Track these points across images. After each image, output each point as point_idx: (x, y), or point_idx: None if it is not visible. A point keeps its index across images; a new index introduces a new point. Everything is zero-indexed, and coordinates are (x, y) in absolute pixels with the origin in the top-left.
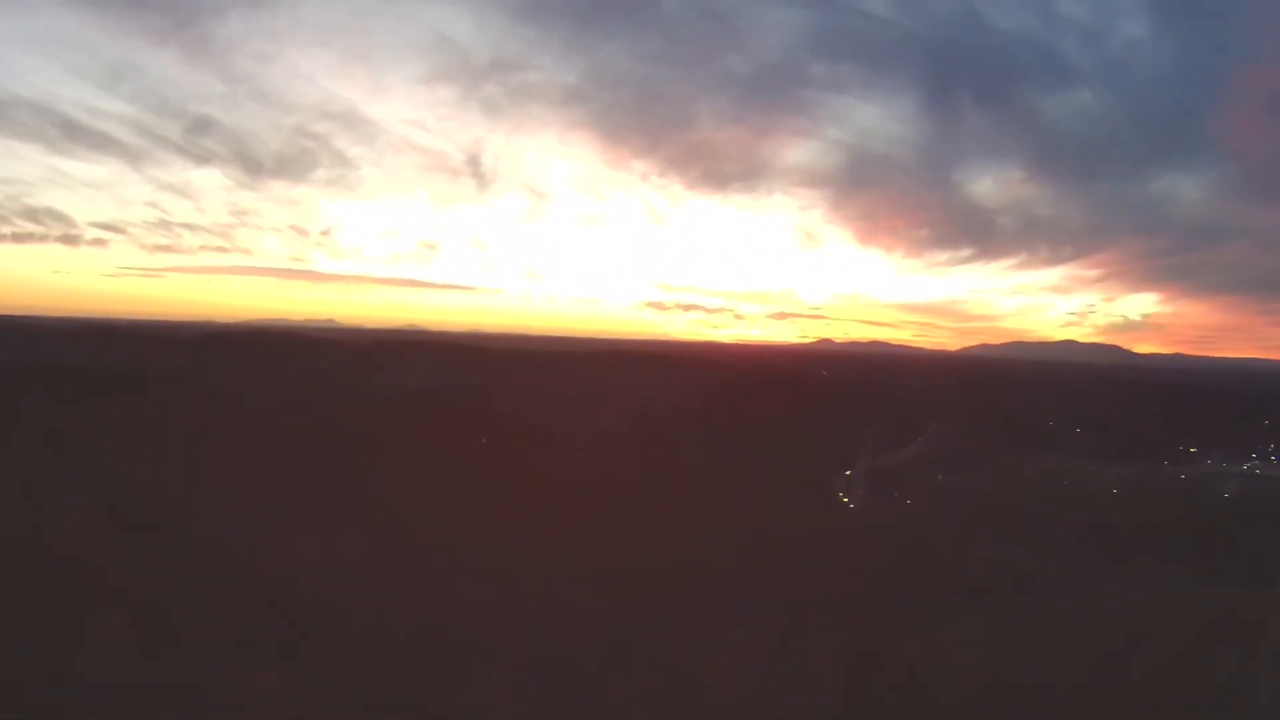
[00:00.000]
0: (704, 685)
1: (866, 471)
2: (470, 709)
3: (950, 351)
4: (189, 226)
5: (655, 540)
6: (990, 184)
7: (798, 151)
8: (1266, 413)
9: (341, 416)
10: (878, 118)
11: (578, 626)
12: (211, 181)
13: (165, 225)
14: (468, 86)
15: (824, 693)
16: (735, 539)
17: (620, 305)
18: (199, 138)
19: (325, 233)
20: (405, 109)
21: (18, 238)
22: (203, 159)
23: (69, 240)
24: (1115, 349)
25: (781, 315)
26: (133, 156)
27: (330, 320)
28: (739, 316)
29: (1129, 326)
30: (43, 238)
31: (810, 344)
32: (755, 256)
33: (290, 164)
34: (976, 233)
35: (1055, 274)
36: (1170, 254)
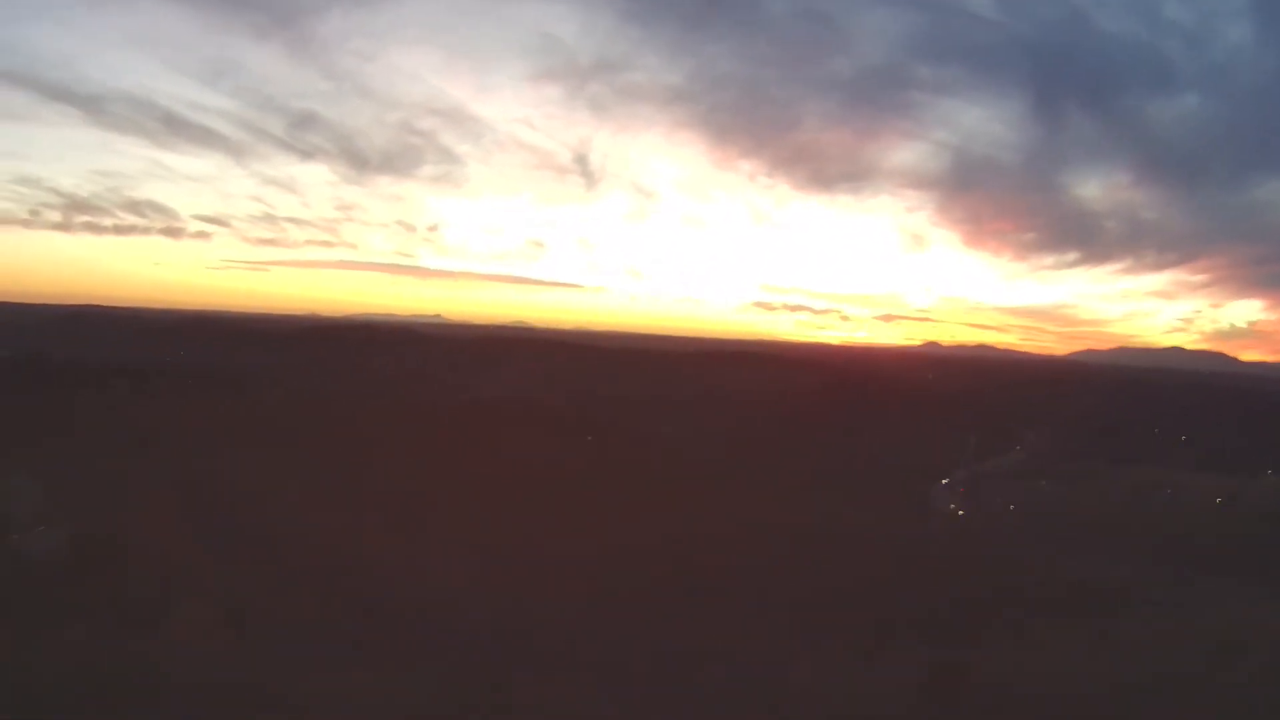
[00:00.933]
0: (783, 695)
1: (964, 479)
2: (553, 713)
3: (1057, 356)
4: (294, 221)
5: (742, 547)
6: (1096, 188)
7: (903, 153)
8: None
9: (441, 415)
10: (983, 120)
11: (665, 633)
12: (317, 176)
13: (270, 219)
14: (574, 86)
15: (904, 705)
16: (826, 545)
17: (726, 305)
18: (303, 133)
19: (432, 229)
20: (511, 107)
21: (119, 230)
22: (307, 154)
23: (172, 233)
24: (1220, 356)
25: (888, 318)
26: (236, 151)
27: (437, 316)
28: (845, 318)
29: (1234, 334)
30: (144, 230)
31: (916, 347)
32: (861, 258)
33: (396, 160)
34: (1082, 237)
35: (1161, 279)
36: (1275, 261)
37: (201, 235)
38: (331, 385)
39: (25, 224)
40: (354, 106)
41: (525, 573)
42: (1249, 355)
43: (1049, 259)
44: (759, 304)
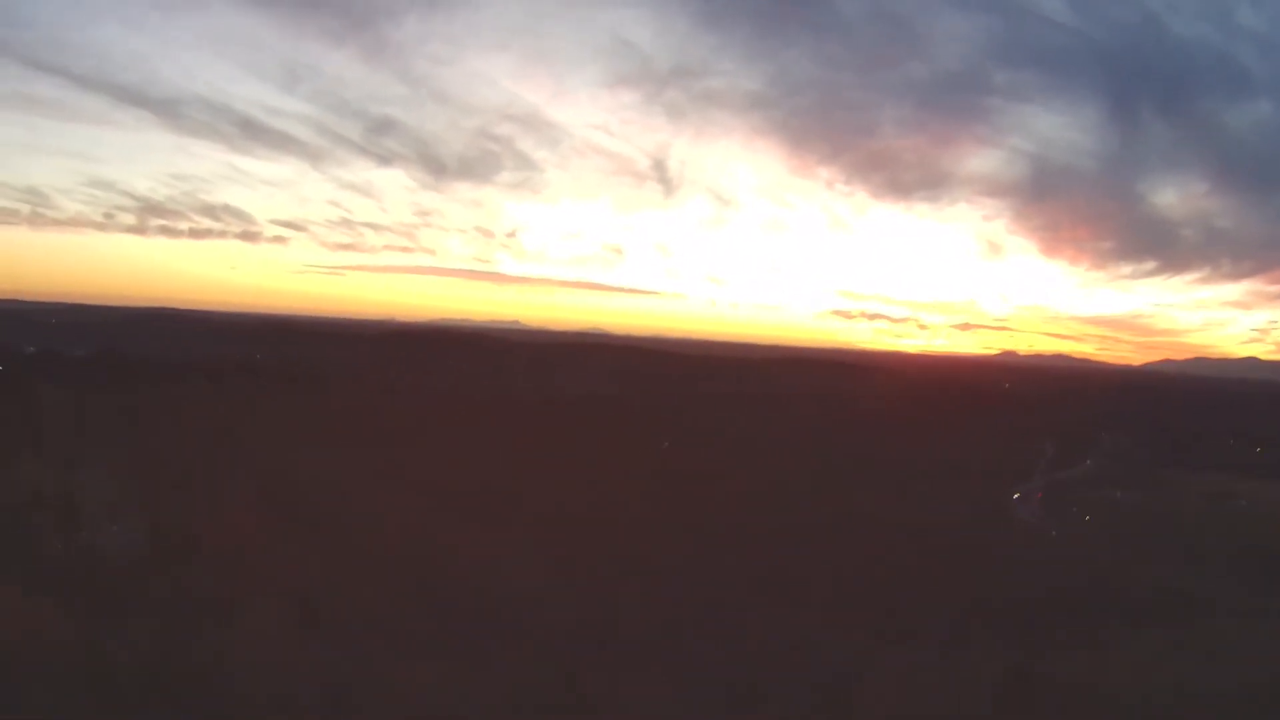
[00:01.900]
0: (860, 697)
1: (1040, 486)
2: (627, 710)
3: (1133, 366)
4: (372, 226)
5: (821, 547)
6: (1173, 195)
7: (980, 160)
8: None
9: (519, 416)
10: (1060, 127)
11: (740, 632)
12: (394, 181)
13: (347, 224)
14: (651, 91)
15: (981, 710)
16: (903, 550)
17: (804, 312)
18: (380, 138)
19: (510, 234)
20: (589, 113)
21: (195, 234)
22: (385, 159)
23: (249, 237)
24: None
25: (965, 326)
26: (313, 155)
27: (515, 322)
28: (923, 326)
29: None
30: (221, 234)
31: (994, 356)
32: (939, 266)
33: (474, 166)
34: (1160, 245)
35: (1238, 289)
36: None
37: (279, 239)
38: (408, 385)
39: (100, 226)
40: (431, 112)
41: (604, 569)
42: None
43: (1126, 267)
44: (837, 311)
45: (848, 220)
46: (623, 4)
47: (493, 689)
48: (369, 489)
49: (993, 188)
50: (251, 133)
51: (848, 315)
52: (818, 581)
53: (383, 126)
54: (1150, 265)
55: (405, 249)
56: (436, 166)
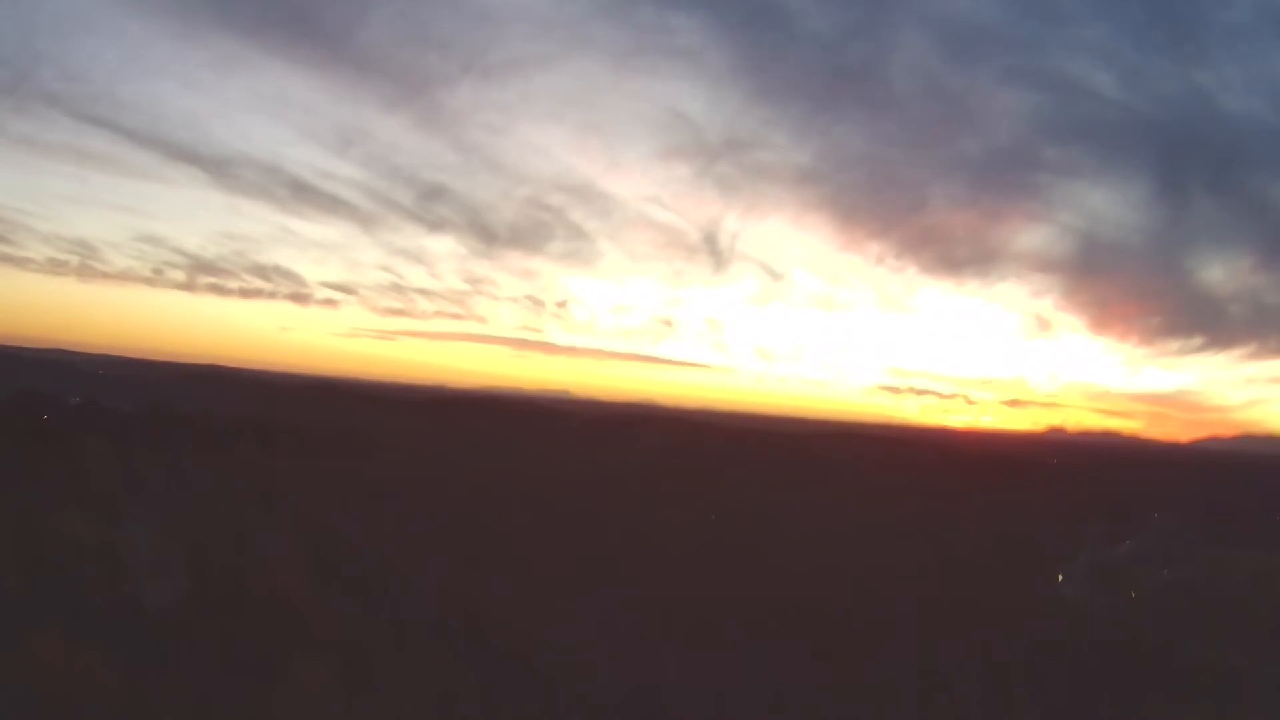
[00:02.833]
0: None
1: (1087, 564)
2: None
3: (1181, 444)
4: (423, 292)
5: (863, 624)
6: (1220, 271)
7: (1030, 236)
8: None
9: (564, 486)
10: (1109, 203)
11: (790, 709)
12: (445, 248)
13: (398, 289)
14: (702, 164)
15: None
16: (951, 619)
17: (852, 388)
18: (432, 204)
19: (560, 305)
20: (641, 184)
21: (245, 293)
22: (436, 226)
23: (299, 299)
24: None
25: (1014, 403)
26: (364, 220)
27: (564, 392)
28: (971, 402)
29: None
30: (271, 294)
31: (1042, 433)
32: (987, 342)
33: (526, 235)
34: (1207, 321)
35: None
36: None
37: (329, 302)
38: (457, 451)
39: (149, 282)
40: (483, 180)
41: (652, 638)
42: None
43: (1174, 344)
44: (885, 387)
45: (897, 296)
46: (676, 76)
47: None
48: (414, 552)
49: (1041, 264)
50: (303, 195)
51: (896, 390)
52: (863, 650)
53: (434, 193)
54: (1198, 341)
55: (456, 316)
56: (488, 235)
